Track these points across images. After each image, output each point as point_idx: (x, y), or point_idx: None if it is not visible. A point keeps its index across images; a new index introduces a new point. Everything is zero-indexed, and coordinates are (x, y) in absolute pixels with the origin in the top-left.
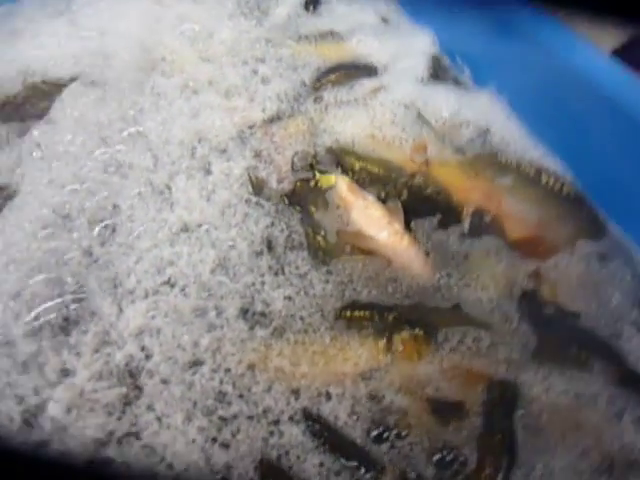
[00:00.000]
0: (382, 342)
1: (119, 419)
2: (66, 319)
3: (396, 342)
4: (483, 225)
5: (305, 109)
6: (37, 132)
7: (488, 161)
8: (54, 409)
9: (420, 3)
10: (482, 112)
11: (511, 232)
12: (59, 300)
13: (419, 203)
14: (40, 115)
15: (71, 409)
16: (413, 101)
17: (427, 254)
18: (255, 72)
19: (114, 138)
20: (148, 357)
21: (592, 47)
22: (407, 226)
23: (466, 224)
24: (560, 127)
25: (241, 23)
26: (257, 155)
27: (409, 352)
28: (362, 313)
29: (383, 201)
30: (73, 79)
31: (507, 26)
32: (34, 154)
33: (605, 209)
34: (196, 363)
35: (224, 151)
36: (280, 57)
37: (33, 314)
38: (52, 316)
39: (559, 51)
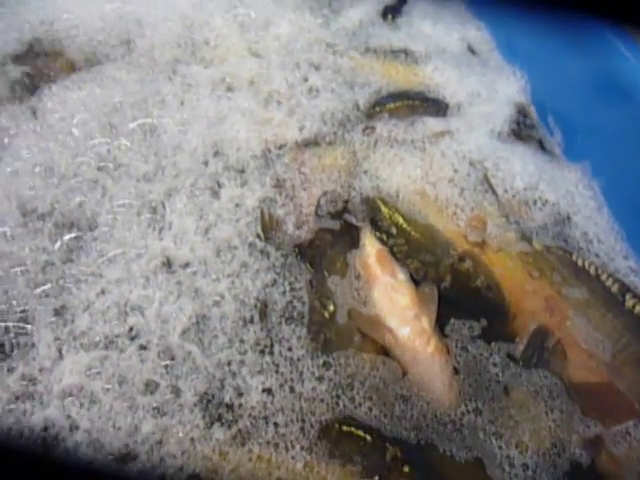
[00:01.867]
0: None
1: None
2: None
3: None
4: (541, 352)
5: (350, 139)
6: (44, 97)
7: (560, 260)
8: None
9: (518, 38)
10: (566, 193)
11: (574, 371)
12: None
13: (462, 297)
14: (54, 78)
15: None
16: (482, 159)
17: (456, 372)
18: (305, 80)
19: (120, 128)
20: (72, 429)
21: None
22: (439, 326)
23: (520, 345)
24: None
25: (305, 19)
26: (279, 185)
27: None
28: (354, 438)
29: (417, 283)
30: (100, 43)
31: (623, 89)
32: (28, 124)
33: None
34: (126, 456)
35: (241, 172)
36: (338, 68)
37: None
38: None
39: None
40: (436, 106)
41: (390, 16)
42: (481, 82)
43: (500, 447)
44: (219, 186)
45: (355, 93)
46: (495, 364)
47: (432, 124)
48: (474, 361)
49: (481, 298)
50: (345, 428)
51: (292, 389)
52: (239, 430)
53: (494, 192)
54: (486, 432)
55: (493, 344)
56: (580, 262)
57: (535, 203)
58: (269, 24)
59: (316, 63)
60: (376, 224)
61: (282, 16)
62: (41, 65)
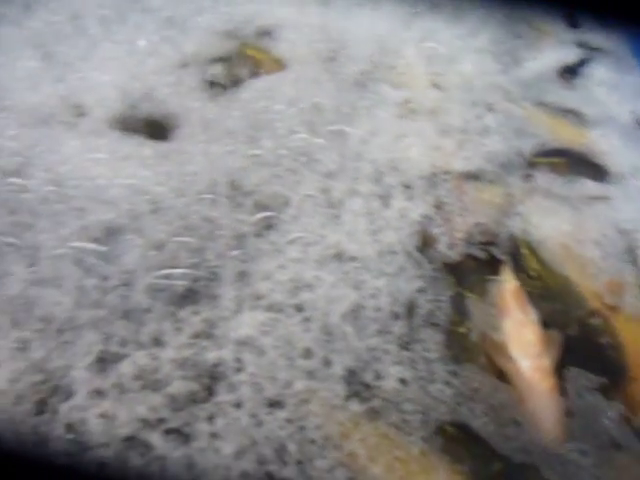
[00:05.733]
0: None
1: (176, 411)
2: (187, 291)
3: None
4: None
5: (509, 181)
6: (250, 88)
7: None
8: (125, 367)
9: None
10: None
11: None
12: (191, 271)
13: (586, 349)
14: (259, 72)
15: (140, 377)
16: (632, 230)
17: (568, 414)
18: (479, 118)
19: (319, 129)
20: (238, 371)
21: None
22: (558, 369)
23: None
24: None
25: (486, 62)
26: (438, 207)
27: None
28: (466, 444)
29: (545, 325)
30: (306, 47)
31: None
32: (240, 111)
33: None
34: (277, 404)
35: (409, 187)
36: (510, 114)
37: (163, 272)
38: (178, 283)
39: None
40: (597, 171)
41: (568, 75)
42: None
43: None
44: (390, 197)
45: (521, 141)
46: (609, 419)
47: (590, 187)
48: (589, 410)
49: (603, 356)
50: (461, 432)
51: (423, 387)
52: (372, 407)
53: (637, 265)
54: (590, 474)
55: (610, 400)
56: None
57: None
58: (454, 61)
59: (491, 105)
60: (518, 263)
61: (466, 55)
62: (248, 60)
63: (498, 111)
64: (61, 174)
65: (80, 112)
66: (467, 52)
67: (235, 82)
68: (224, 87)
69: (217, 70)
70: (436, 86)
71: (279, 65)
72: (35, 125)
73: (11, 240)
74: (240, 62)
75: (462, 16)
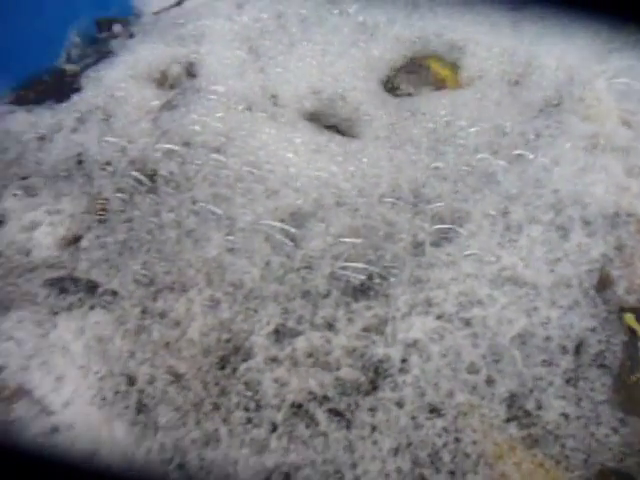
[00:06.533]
0: None
1: (341, 395)
2: (362, 285)
3: None
4: None
5: None
6: (428, 99)
7: None
8: (300, 343)
9: None
10: None
11: None
12: (368, 267)
13: None
14: (437, 86)
15: (312, 355)
16: None
17: None
18: None
19: (501, 152)
20: (402, 371)
21: None
22: None
23: None
24: None
25: None
26: (619, 248)
27: None
28: None
29: None
30: (490, 67)
31: None
32: (422, 124)
33: None
34: (437, 411)
35: (590, 224)
36: None
37: (342, 264)
38: (354, 275)
39: None
40: None
41: None
42: None
43: None
44: (570, 229)
45: None
46: None
47: None
48: None
49: None
50: None
51: (587, 426)
52: (530, 435)
53: None
54: None
55: None
56: None
57: None
58: None
59: None
60: None
61: None
62: (433, 71)
63: None
64: (258, 157)
65: (277, 103)
66: None
67: (418, 92)
68: (407, 95)
69: (402, 78)
70: (626, 124)
71: (464, 81)
72: (239, 110)
73: (213, 208)
74: (425, 73)
75: None
